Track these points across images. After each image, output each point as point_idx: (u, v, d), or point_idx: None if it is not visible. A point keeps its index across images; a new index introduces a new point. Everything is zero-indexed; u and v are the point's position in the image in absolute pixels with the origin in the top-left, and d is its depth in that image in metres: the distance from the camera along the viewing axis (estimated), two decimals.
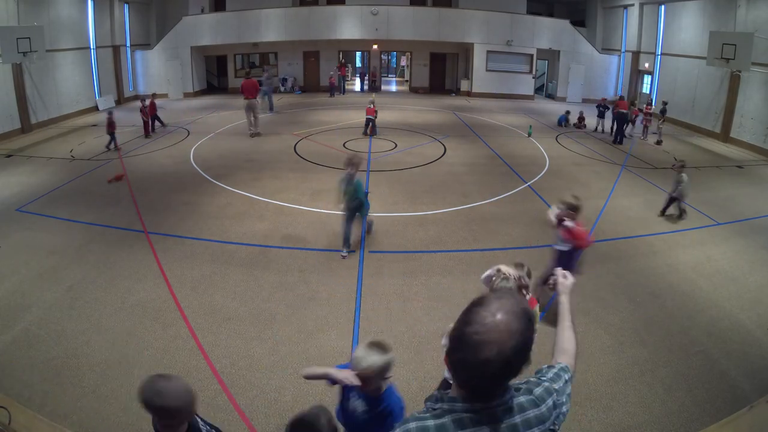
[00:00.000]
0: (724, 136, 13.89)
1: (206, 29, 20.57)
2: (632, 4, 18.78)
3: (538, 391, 1.36)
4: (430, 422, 1.22)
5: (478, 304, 1.19)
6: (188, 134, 13.44)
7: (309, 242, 6.75)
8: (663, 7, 17.14)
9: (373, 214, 7.59)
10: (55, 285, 5.51)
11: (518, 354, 1.14)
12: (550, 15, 23.69)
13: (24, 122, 13.56)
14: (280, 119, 15.89)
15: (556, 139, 13.52)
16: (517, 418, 1.26)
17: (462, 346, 1.15)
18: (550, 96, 22.30)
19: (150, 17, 21.48)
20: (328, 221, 7.41)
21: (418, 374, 4.17)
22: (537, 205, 8.29)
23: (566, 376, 1.48)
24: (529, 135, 13.58)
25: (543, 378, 1.43)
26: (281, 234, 6.98)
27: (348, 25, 20.55)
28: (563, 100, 20.98)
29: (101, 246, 6.53)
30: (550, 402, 1.35)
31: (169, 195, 8.57)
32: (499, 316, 1.14)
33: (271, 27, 20.49)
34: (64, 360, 4.27)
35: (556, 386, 1.41)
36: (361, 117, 15.89)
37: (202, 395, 3.89)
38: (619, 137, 13.38)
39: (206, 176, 9.61)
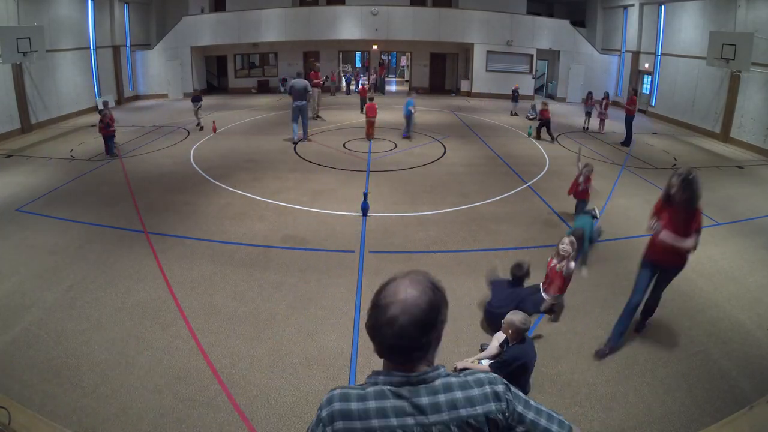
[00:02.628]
0: (724, 136, 13.89)
1: (206, 29, 20.58)
2: (632, 4, 18.79)
3: (479, 376, 1.30)
4: (353, 391, 1.28)
5: (389, 280, 1.31)
6: (188, 134, 13.44)
7: (309, 242, 6.75)
8: (663, 7, 17.14)
9: (374, 214, 7.60)
10: (55, 285, 5.51)
11: (425, 315, 1.22)
12: (550, 15, 23.70)
13: (24, 122, 13.57)
14: (280, 119, 15.89)
15: (556, 139, 13.52)
16: (441, 397, 1.24)
17: (373, 312, 1.26)
18: (551, 96, 22.30)
19: (150, 17, 21.50)
20: (328, 221, 7.41)
21: None
22: (537, 205, 8.29)
23: (533, 404, 1.33)
24: (529, 135, 13.59)
25: (504, 381, 1.33)
26: (281, 234, 6.98)
27: (348, 26, 20.56)
28: (563, 100, 20.99)
29: (101, 246, 6.53)
30: (487, 389, 1.27)
31: (169, 195, 8.57)
32: (404, 283, 1.27)
33: (271, 27, 20.50)
34: (64, 360, 4.27)
35: (511, 389, 1.31)
36: (360, 117, 15.92)
37: (202, 395, 3.89)
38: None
39: (206, 176, 9.61)
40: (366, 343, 4.57)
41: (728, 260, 6.43)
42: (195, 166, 10.31)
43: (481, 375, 1.32)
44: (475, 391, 1.26)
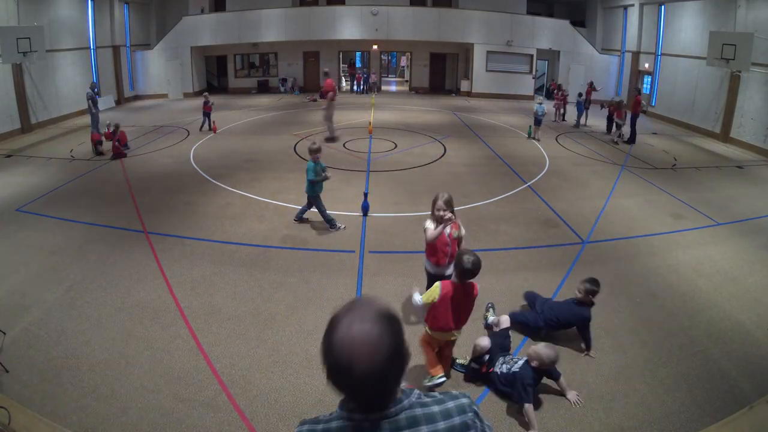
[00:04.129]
0: (724, 136, 13.89)
1: (206, 29, 20.59)
2: (632, 5, 18.79)
3: (448, 406, 1.23)
4: (320, 426, 1.21)
5: (328, 328, 1.14)
6: (188, 134, 13.45)
7: (309, 242, 6.75)
8: (663, 7, 17.14)
9: (374, 214, 7.61)
10: (55, 285, 5.51)
11: (391, 362, 1.10)
12: (550, 15, 23.71)
13: (24, 122, 13.57)
14: (280, 119, 15.90)
15: (556, 139, 13.53)
16: (424, 428, 1.17)
17: (332, 373, 1.12)
18: (551, 96, 22.30)
19: (150, 17, 21.51)
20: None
21: (419, 374, 4.17)
22: (537, 205, 8.29)
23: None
24: (529, 135, 13.58)
25: (473, 405, 1.28)
26: (281, 234, 6.98)
27: (348, 26, 20.57)
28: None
29: (101, 246, 6.53)
30: (456, 420, 1.21)
31: (169, 195, 8.57)
32: (353, 331, 1.09)
33: (271, 27, 20.50)
34: (64, 360, 4.26)
35: (479, 415, 1.27)
36: (361, 117, 15.94)
37: (202, 395, 3.89)
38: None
39: (206, 176, 9.61)
40: None
41: (728, 260, 6.43)
42: (195, 166, 10.31)
43: (450, 404, 1.24)
44: (441, 425, 1.19)
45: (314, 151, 6.88)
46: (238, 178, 9.46)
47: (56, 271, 5.82)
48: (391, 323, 1.13)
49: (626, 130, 13.39)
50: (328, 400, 3.84)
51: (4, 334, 4.49)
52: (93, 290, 5.42)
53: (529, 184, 9.44)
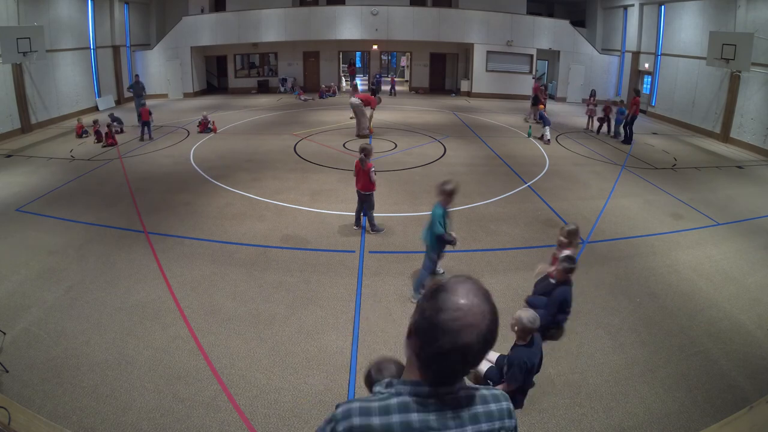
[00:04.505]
0: (724, 136, 13.89)
1: (206, 29, 20.58)
2: (632, 5, 18.78)
3: (494, 391, 1.31)
4: (374, 404, 1.18)
5: (443, 290, 1.16)
6: (188, 134, 13.44)
7: (309, 242, 6.75)
8: (663, 7, 17.14)
9: (374, 214, 7.60)
10: (55, 285, 5.51)
11: (493, 332, 1.14)
12: (550, 15, 23.70)
13: (24, 122, 13.57)
14: (280, 119, 15.90)
15: (556, 139, 13.52)
16: (465, 412, 1.21)
17: (438, 335, 1.12)
18: (551, 96, 22.30)
19: (150, 17, 21.50)
20: (327, 221, 7.41)
21: None
22: (537, 205, 8.29)
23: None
24: (529, 135, 13.58)
25: (506, 396, 1.35)
26: (281, 234, 6.98)
27: (348, 26, 20.56)
28: (563, 100, 20.99)
29: (101, 246, 6.53)
30: (504, 405, 1.28)
31: (169, 195, 8.57)
32: (471, 299, 1.14)
33: (271, 27, 20.50)
34: (64, 360, 4.27)
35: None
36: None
37: (202, 395, 3.89)
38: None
39: (206, 176, 9.61)
40: (366, 343, 4.58)
41: (728, 260, 6.43)
42: (195, 166, 10.31)
43: (495, 391, 1.30)
44: (493, 407, 1.26)
45: (448, 193, 5.00)
46: (238, 178, 9.46)
47: (56, 271, 5.83)
48: (494, 304, 1.18)
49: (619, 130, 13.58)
50: (328, 400, 3.84)
51: (4, 334, 4.49)
52: (93, 290, 5.42)
53: (529, 184, 9.44)
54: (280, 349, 4.49)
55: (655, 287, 5.70)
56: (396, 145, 12.25)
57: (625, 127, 13.37)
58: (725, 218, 7.90)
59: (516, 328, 3.57)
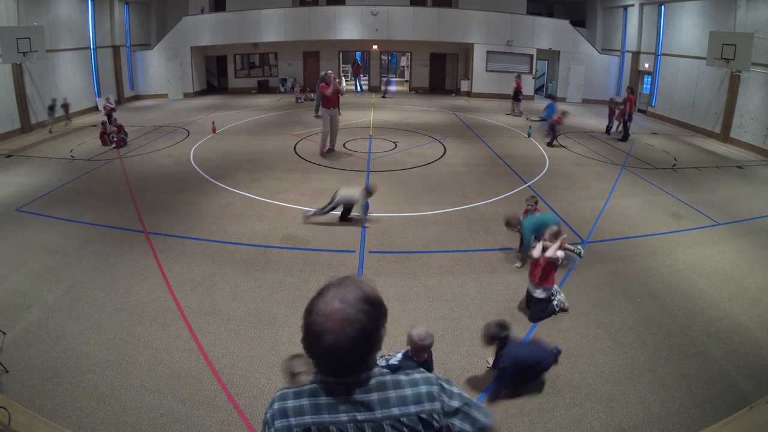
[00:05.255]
0: (724, 136, 13.89)
1: (206, 29, 20.58)
2: (632, 5, 18.78)
3: (415, 376, 1.30)
4: (291, 390, 1.30)
5: (319, 292, 1.24)
6: (188, 134, 13.44)
7: (309, 242, 6.75)
8: (663, 7, 17.14)
9: (374, 214, 7.60)
10: (55, 285, 5.51)
11: (357, 342, 1.18)
12: (550, 15, 23.69)
13: (24, 122, 13.57)
14: (280, 119, 15.90)
15: (557, 139, 13.51)
16: (374, 395, 1.25)
17: (306, 335, 1.22)
18: (551, 96, 22.30)
19: (150, 17, 21.50)
20: (327, 221, 7.41)
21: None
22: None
23: (469, 403, 1.33)
24: (529, 135, 13.58)
25: (439, 379, 1.33)
26: (281, 234, 6.98)
27: (348, 26, 20.56)
28: (563, 100, 20.98)
29: (101, 246, 6.53)
30: (422, 389, 1.27)
31: (169, 195, 8.57)
32: (335, 304, 1.19)
33: (271, 27, 20.50)
34: (64, 360, 4.27)
35: (446, 387, 1.31)
36: (361, 118, 15.94)
37: (202, 395, 3.89)
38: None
39: (206, 176, 9.61)
40: None
41: (728, 260, 6.43)
42: (195, 166, 10.31)
43: (417, 376, 1.32)
44: (408, 391, 1.27)
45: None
46: (238, 178, 9.46)
47: (56, 271, 5.83)
48: (372, 308, 1.21)
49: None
50: None
51: (4, 334, 4.49)
52: (93, 290, 5.42)
53: (529, 184, 9.44)
54: (280, 349, 4.48)
55: (655, 287, 5.70)
56: (396, 145, 12.25)
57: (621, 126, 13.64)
58: (725, 218, 7.89)
59: (410, 347, 3.44)
